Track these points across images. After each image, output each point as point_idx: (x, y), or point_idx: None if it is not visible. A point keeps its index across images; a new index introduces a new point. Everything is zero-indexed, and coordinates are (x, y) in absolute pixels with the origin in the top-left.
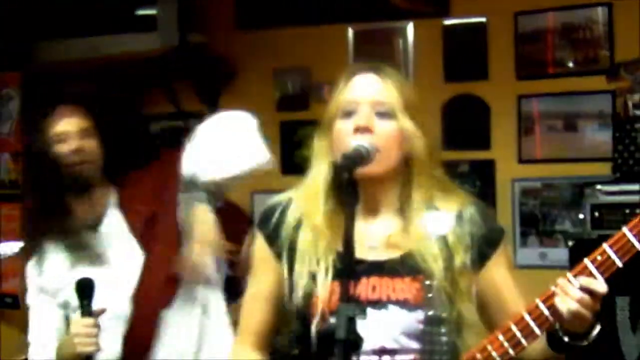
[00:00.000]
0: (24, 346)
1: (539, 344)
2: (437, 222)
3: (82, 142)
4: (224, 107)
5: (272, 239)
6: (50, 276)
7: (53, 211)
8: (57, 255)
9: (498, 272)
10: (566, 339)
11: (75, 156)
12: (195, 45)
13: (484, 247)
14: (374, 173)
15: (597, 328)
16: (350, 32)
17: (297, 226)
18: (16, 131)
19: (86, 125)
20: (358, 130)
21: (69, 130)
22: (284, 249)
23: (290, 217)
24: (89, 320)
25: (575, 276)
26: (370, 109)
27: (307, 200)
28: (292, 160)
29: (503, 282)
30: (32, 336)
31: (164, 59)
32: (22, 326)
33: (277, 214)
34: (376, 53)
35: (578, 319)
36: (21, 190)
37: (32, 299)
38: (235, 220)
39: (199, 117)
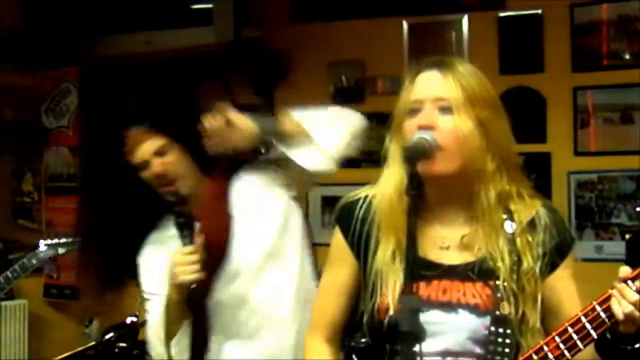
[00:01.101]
0: (81, 337)
1: (587, 349)
2: (509, 225)
3: (162, 162)
4: (278, 100)
5: (350, 234)
6: (159, 259)
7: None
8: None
9: (563, 281)
10: (608, 335)
11: (161, 179)
12: (251, 39)
13: (555, 255)
14: (441, 172)
15: None
16: (405, 25)
17: (374, 225)
18: (74, 125)
19: (160, 143)
20: (421, 128)
21: (145, 158)
22: (361, 245)
23: (368, 216)
24: (189, 248)
25: (632, 280)
26: (433, 106)
27: (382, 200)
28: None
29: (566, 292)
30: (151, 318)
31: (220, 53)
32: (81, 317)
33: (355, 210)
34: (431, 46)
35: (632, 322)
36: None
37: (149, 285)
38: None
39: (253, 109)
